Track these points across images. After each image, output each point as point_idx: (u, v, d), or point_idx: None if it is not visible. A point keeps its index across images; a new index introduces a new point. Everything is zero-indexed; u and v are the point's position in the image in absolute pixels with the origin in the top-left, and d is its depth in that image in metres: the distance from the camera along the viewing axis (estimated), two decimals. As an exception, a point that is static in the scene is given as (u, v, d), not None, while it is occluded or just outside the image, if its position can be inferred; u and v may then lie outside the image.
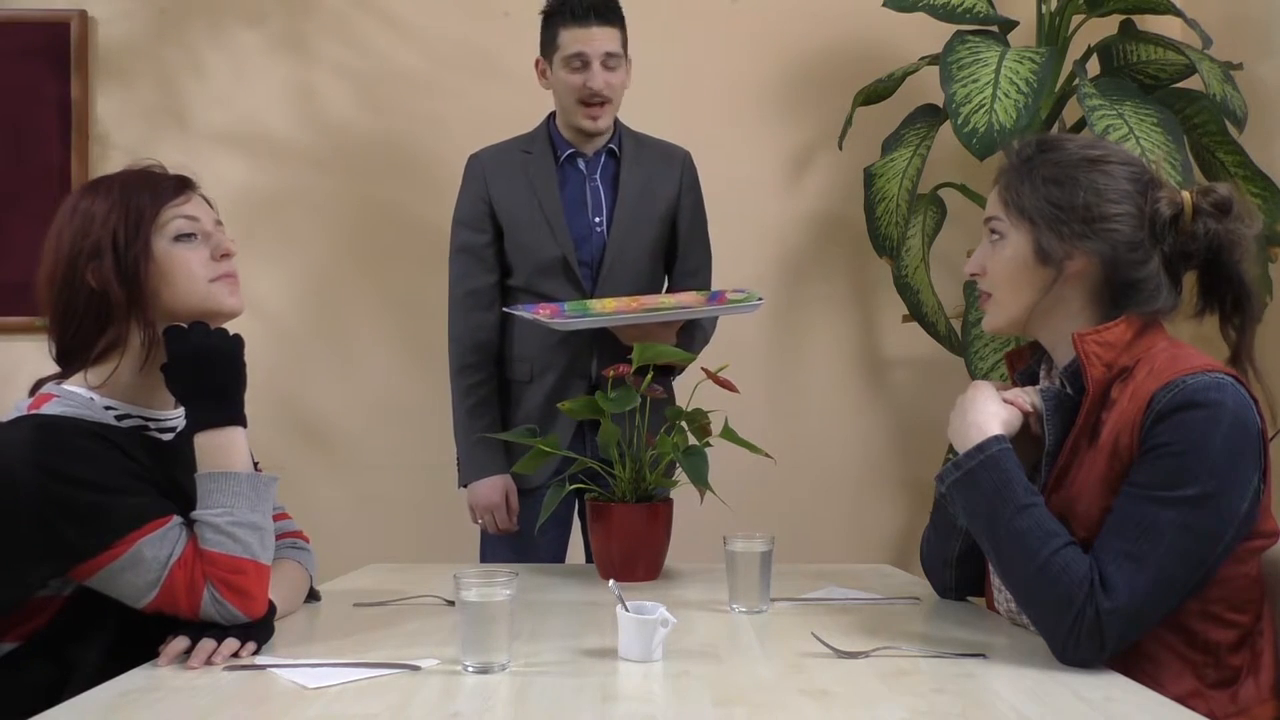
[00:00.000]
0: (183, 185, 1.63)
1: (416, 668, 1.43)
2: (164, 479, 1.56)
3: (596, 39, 2.51)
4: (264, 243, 3.26)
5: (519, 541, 2.57)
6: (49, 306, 1.59)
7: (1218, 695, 1.49)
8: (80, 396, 1.55)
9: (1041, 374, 1.73)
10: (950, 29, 2.90)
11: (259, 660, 1.46)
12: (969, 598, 1.86)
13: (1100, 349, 1.55)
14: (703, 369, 2.04)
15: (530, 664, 1.45)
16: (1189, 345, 1.58)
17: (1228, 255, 1.58)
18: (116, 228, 1.56)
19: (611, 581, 1.59)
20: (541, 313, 2.38)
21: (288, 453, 3.22)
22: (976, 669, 1.44)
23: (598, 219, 2.59)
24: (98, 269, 1.55)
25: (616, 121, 2.64)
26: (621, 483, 2.03)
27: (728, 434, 2.01)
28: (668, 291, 2.66)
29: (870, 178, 3.06)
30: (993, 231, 1.65)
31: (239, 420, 1.57)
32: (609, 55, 2.51)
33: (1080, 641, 1.42)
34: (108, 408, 1.56)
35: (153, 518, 1.49)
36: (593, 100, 2.52)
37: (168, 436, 1.63)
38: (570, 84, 2.53)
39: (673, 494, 2.07)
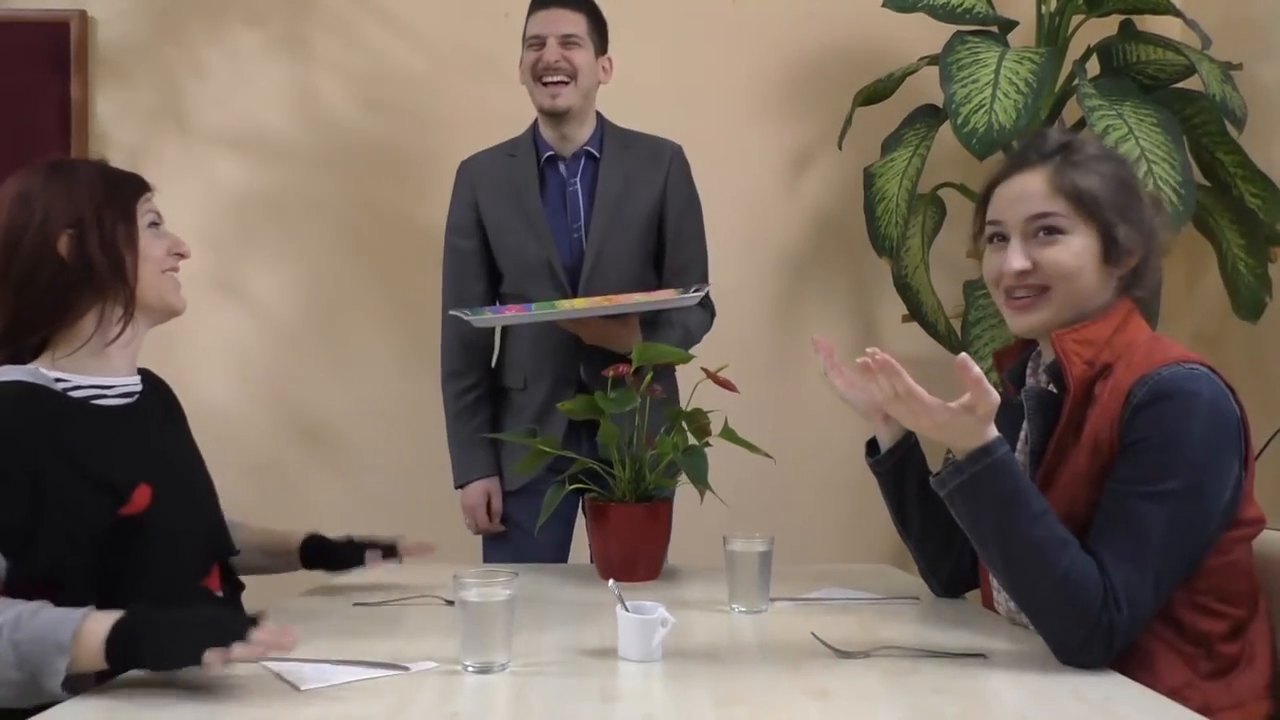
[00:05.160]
0: (146, 184, 1.69)
1: (416, 668, 1.43)
2: (106, 451, 1.55)
3: (554, 19, 2.53)
4: (264, 243, 3.26)
5: (519, 542, 2.57)
6: (3, 274, 1.58)
7: (1212, 686, 1.48)
8: (26, 368, 1.57)
9: (1028, 372, 1.72)
10: (950, 29, 2.90)
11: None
12: (966, 595, 1.86)
13: (1079, 346, 1.55)
14: (703, 369, 2.04)
15: (530, 664, 1.45)
16: (1167, 339, 1.58)
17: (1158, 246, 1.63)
18: (101, 204, 1.60)
19: (611, 581, 1.59)
20: (507, 314, 2.41)
21: (288, 453, 3.22)
22: (976, 669, 1.44)
23: (575, 224, 2.57)
24: (77, 240, 1.57)
25: (601, 121, 2.63)
26: (621, 483, 2.03)
27: (728, 434, 2.01)
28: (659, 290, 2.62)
29: (870, 178, 3.06)
30: (1049, 229, 1.58)
31: (117, 663, 1.36)
32: (565, 36, 2.52)
33: (1092, 649, 1.42)
34: (58, 379, 1.58)
35: None
36: (547, 76, 2.52)
37: (122, 402, 1.64)
38: (526, 61, 2.56)
39: (673, 494, 2.07)
